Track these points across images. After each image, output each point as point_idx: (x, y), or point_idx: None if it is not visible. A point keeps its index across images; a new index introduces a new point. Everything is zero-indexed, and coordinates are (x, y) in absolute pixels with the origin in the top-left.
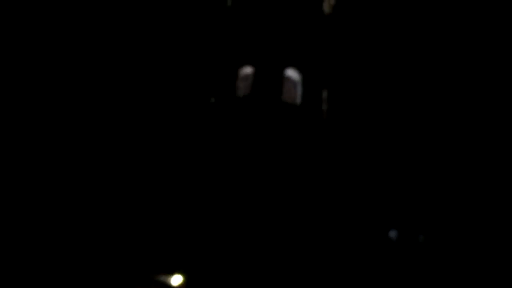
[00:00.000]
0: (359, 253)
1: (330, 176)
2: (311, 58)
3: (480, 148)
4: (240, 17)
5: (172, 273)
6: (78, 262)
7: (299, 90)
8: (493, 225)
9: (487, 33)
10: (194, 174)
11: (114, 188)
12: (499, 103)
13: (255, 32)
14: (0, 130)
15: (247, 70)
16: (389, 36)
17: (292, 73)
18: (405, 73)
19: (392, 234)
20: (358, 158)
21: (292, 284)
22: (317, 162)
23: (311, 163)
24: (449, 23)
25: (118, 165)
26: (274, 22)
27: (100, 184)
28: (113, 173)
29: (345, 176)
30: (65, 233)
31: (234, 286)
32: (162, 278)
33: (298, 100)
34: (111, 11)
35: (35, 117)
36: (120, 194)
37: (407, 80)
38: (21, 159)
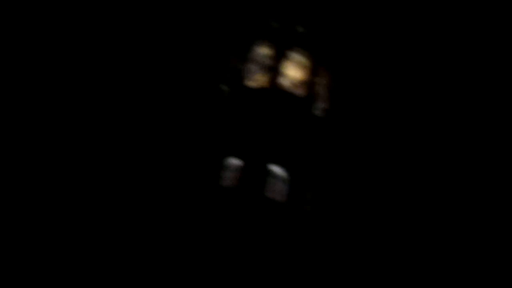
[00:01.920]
0: None
1: (307, 279)
2: (300, 158)
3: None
4: (236, 108)
5: None
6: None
7: (285, 188)
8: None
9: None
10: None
11: None
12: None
13: (248, 125)
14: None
15: (235, 161)
16: (381, 143)
17: (279, 170)
18: (396, 185)
19: None
20: (341, 263)
21: None
22: (296, 265)
23: (291, 265)
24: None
25: None
26: (267, 118)
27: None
28: None
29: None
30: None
31: None
32: None
33: (283, 198)
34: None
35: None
36: None
37: (397, 190)
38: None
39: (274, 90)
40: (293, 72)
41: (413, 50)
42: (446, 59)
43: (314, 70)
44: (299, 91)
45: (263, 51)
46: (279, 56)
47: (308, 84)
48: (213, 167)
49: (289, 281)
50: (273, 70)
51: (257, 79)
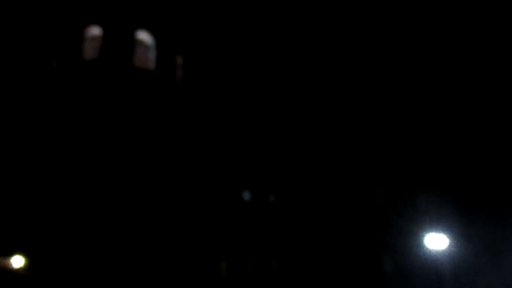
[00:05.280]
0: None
1: (184, 143)
2: (166, 22)
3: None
4: None
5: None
6: None
7: (152, 55)
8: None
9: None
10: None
11: None
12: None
13: None
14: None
15: (95, 30)
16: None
17: (145, 37)
18: (256, 49)
19: (245, 195)
20: (211, 125)
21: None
22: (170, 130)
23: (164, 131)
24: None
25: None
26: None
27: None
28: None
29: (199, 142)
30: None
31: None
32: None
33: (151, 65)
34: None
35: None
36: None
37: (258, 56)
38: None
39: None
40: None
41: None
42: None
43: None
44: None
45: None
46: None
47: None
48: (72, 39)
49: (161, 152)
50: None
51: None
